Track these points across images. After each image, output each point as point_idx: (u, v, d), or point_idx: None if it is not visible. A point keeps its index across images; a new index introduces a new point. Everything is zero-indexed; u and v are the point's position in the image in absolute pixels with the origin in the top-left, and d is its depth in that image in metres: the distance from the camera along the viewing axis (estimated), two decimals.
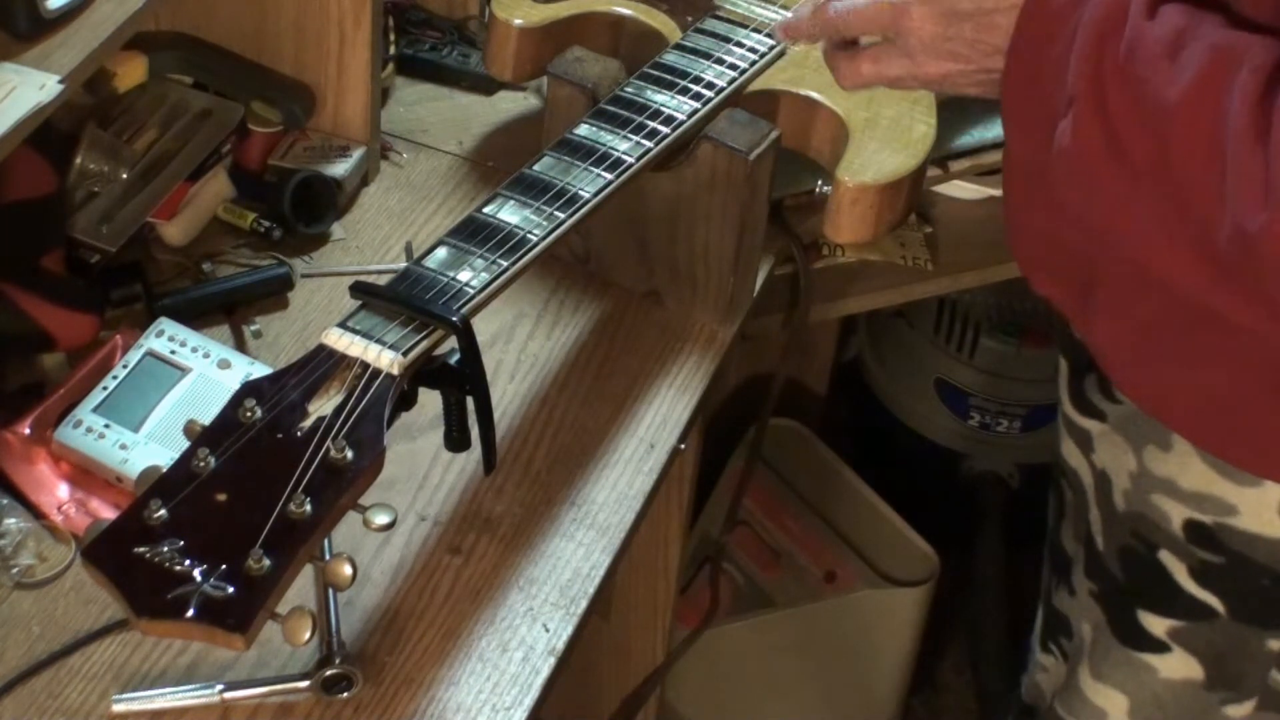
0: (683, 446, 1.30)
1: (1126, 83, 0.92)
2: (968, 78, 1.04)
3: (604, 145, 1.21)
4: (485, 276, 1.06)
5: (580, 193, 1.15)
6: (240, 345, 1.33)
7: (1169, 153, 0.90)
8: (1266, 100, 0.87)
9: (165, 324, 1.28)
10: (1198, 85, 0.89)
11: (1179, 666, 1.18)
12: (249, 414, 0.93)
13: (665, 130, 1.24)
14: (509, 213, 1.12)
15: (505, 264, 1.07)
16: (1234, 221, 0.87)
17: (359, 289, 1.03)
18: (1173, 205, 0.91)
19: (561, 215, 1.13)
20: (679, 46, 1.35)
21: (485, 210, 1.12)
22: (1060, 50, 0.95)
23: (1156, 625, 1.17)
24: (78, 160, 1.39)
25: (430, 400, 1.04)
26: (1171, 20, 0.92)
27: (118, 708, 1.07)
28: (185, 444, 0.93)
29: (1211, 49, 0.90)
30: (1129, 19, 0.92)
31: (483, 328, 1.04)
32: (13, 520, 1.16)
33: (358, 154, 1.47)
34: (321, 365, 0.98)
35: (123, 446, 1.20)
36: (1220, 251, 0.89)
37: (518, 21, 1.40)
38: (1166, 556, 1.14)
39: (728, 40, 1.36)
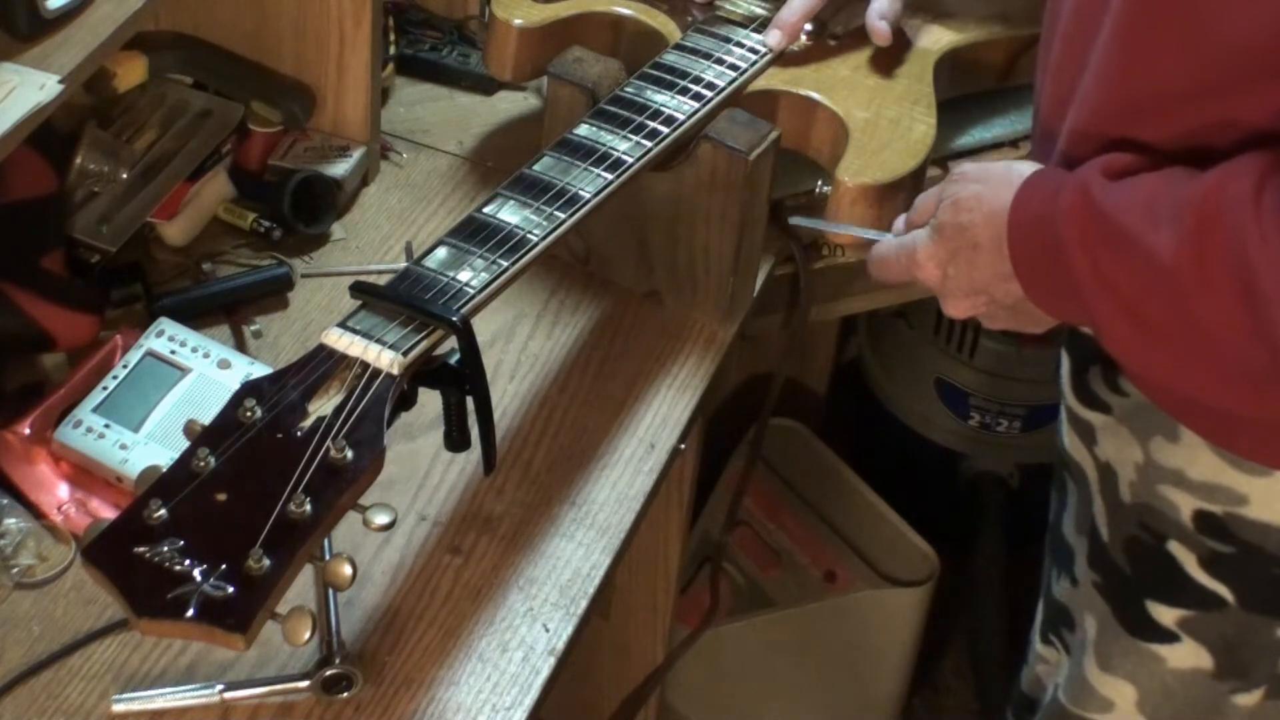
0: (683, 446, 1.30)
1: (1127, 267, 0.97)
2: (996, 309, 1.10)
3: (604, 145, 1.21)
4: (485, 276, 1.06)
5: (580, 193, 1.15)
6: (240, 345, 1.33)
7: (1190, 311, 0.94)
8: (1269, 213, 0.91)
9: (165, 324, 1.28)
10: (1195, 234, 0.93)
11: (1188, 656, 1.18)
12: (249, 414, 0.93)
13: (665, 130, 1.24)
14: (509, 213, 1.12)
15: (505, 264, 1.07)
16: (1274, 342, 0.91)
17: (359, 289, 1.03)
18: (1213, 355, 0.96)
19: (561, 215, 1.13)
20: (679, 46, 1.35)
21: (485, 210, 1.12)
22: (1057, 266, 1.01)
23: (1166, 615, 1.17)
24: (78, 160, 1.39)
25: (430, 400, 1.04)
26: (1140, 190, 0.97)
27: (118, 708, 1.07)
28: (185, 444, 0.93)
29: (1193, 198, 0.94)
30: (1095, 208, 0.98)
31: (483, 328, 1.04)
32: (13, 520, 1.16)
33: (358, 154, 1.47)
34: (321, 365, 0.98)
35: (123, 446, 1.20)
36: (1262, 372, 0.93)
37: (518, 21, 1.40)
38: (1176, 547, 1.14)
39: (728, 40, 1.36)
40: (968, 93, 1.48)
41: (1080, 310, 1.01)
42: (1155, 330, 0.97)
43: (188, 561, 0.86)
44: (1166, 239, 0.94)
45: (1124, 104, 1.02)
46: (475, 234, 1.10)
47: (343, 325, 1.00)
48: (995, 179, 1.07)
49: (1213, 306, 0.93)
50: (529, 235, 1.10)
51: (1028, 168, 1.06)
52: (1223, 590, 1.14)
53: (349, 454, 0.92)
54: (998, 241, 1.04)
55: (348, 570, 0.91)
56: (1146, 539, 1.16)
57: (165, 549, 0.87)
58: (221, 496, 0.89)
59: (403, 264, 1.29)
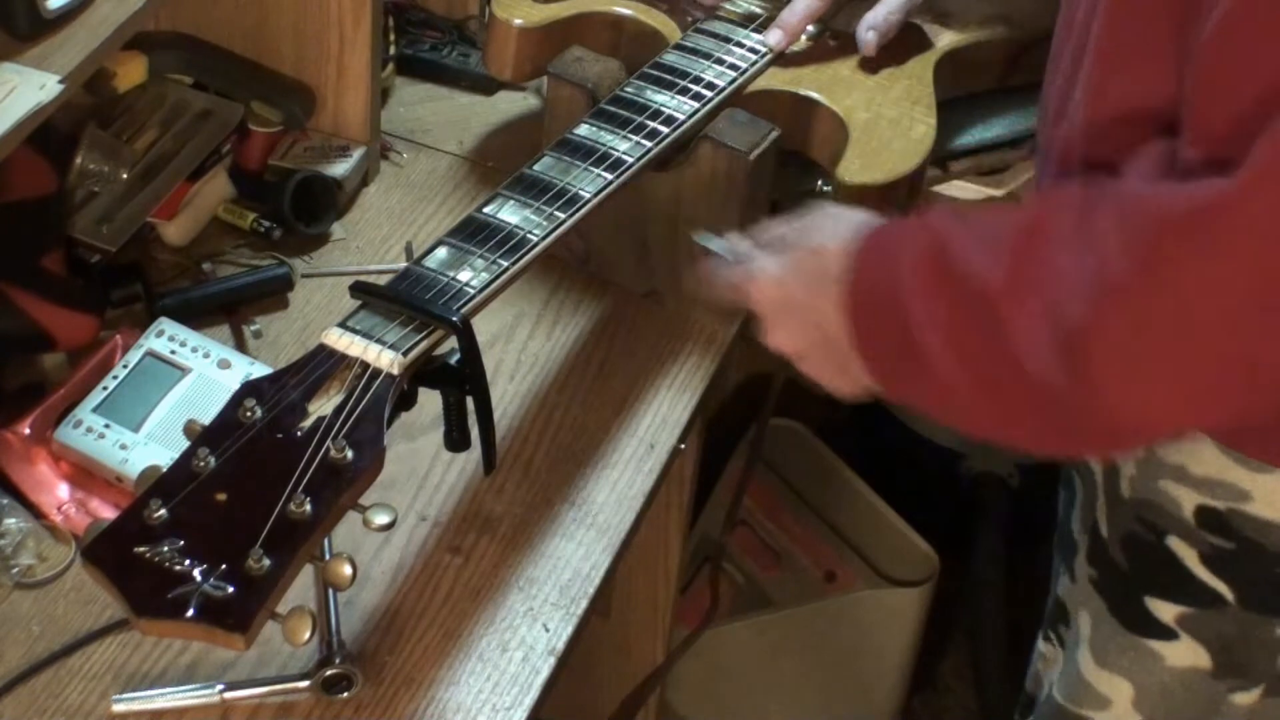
0: (683, 446, 1.30)
1: (949, 291, 0.96)
2: (818, 347, 1.07)
3: (604, 145, 1.21)
4: (485, 276, 1.06)
5: (580, 193, 1.15)
6: (240, 345, 1.33)
7: (1000, 333, 0.94)
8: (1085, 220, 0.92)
9: (165, 324, 1.28)
10: (1012, 251, 0.94)
11: (1186, 654, 1.18)
12: (249, 414, 0.93)
13: (665, 130, 1.24)
14: (509, 213, 1.12)
15: (505, 264, 1.07)
16: (1061, 337, 0.90)
17: (359, 289, 1.04)
18: (1015, 384, 0.95)
19: (561, 215, 1.13)
20: (679, 46, 1.35)
21: (485, 210, 1.12)
22: (890, 298, 1.00)
23: (1165, 612, 1.17)
24: (78, 160, 1.39)
25: (430, 400, 1.04)
26: (976, 221, 0.99)
27: (118, 708, 1.07)
28: (185, 444, 0.93)
29: (1020, 221, 0.96)
30: (935, 237, 0.98)
31: (483, 328, 1.04)
32: (13, 520, 1.16)
33: (358, 154, 1.47)
34: (321, 365, 0.98)
35: (123, 446, 1.20)
36: (1058, 398, 0.93)
37: (518, 21, 1.40)
38: (1176, 543, 1.14)
39: (728, 40, 1.36)
40: (968, 93, 1.48)
41: (904, 349, 1.00)
42: (972, 360, 0.96)
43: (188, 561, 0.86)
44: (988, 260, 0.95)
45: (1102, 121, 1.03)
46: (475, 234, 1.10)
47: (343, 325, 1.01)
48: (848, 216, 1.07)
49: (1019, 316, 0.93)
50: (529, 235, 1.10)
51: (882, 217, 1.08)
52: (1222, 588, 1.14)
53: (349, 454, 0.92)
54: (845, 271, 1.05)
55: (348, 570, 0.91)
56: (1144, 534, 1.16)
57: (165, 549, 0.87)
58: (221, 496, 0.90)
59: (403, 264, 1.29)
